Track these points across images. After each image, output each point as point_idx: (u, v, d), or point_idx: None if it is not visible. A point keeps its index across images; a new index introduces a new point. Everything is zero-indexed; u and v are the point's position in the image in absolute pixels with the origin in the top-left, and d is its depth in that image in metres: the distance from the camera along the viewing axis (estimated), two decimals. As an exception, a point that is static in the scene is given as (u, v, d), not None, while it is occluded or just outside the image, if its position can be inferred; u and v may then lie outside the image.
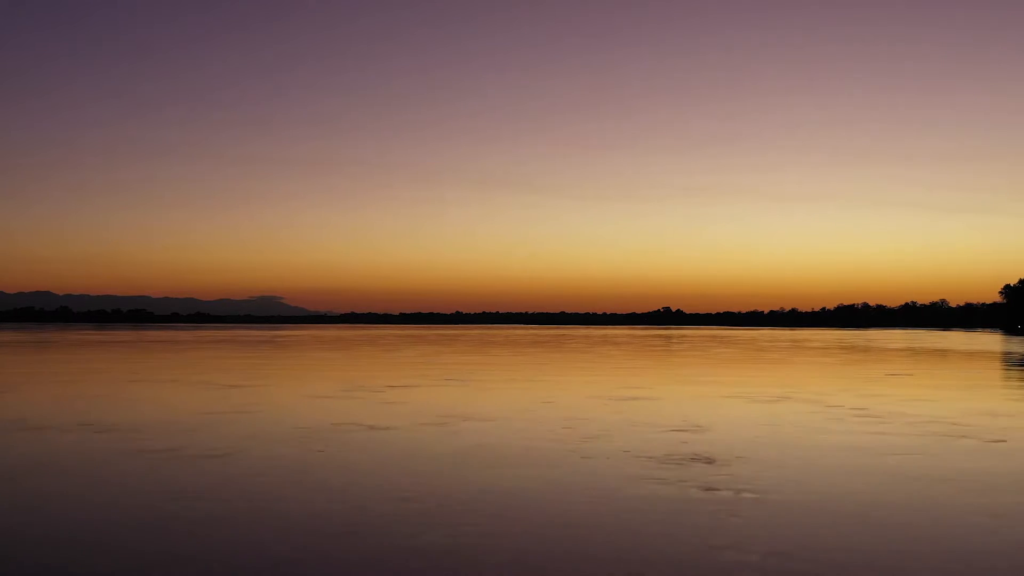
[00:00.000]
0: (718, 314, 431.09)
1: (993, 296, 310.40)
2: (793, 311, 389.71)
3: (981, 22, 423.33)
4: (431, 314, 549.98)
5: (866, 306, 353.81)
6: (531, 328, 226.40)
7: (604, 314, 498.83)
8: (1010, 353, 55.93)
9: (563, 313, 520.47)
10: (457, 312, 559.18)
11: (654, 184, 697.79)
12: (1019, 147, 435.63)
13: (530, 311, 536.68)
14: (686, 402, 21.10)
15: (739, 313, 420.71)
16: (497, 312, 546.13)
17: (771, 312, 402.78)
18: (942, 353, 55.39)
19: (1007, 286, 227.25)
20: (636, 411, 18.85)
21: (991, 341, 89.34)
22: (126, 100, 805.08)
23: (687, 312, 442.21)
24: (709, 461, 12.06)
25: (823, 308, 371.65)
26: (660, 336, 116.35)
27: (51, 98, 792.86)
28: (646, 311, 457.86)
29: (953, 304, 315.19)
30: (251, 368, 35.54)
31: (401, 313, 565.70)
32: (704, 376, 31.42)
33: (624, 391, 24.41)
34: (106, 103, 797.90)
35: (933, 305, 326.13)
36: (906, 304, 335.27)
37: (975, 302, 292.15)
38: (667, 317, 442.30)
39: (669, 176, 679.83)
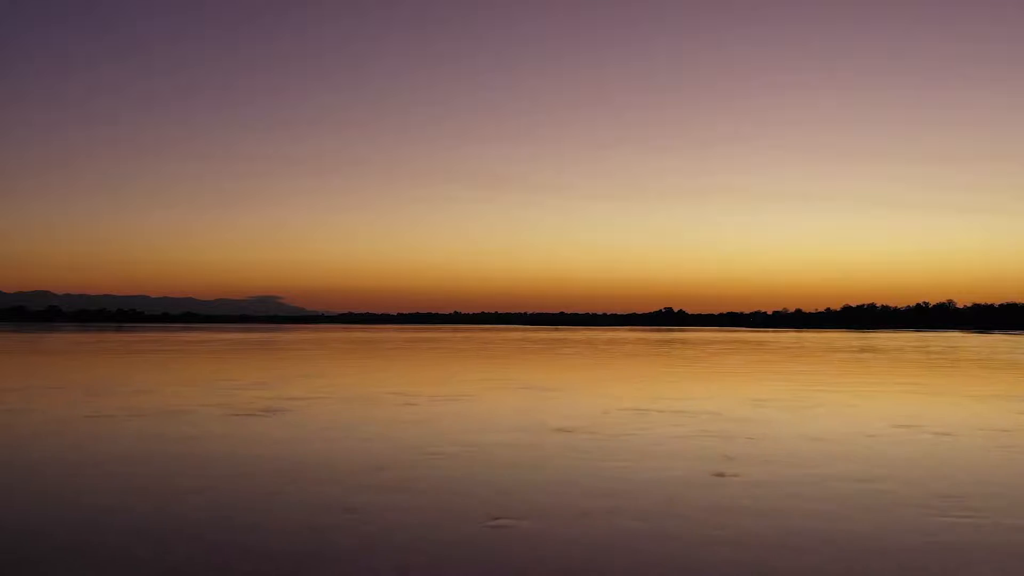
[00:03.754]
0: (721, 315, 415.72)
1: (1000, 296, 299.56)
2: (798, 312, 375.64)
3: (981, 22, 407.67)
4: (429, 314, 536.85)
5: (872, 306, 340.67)
6: (528, 330, 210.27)
7: (604, 314, 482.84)
8: None
9: (562, 313, 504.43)
10: (455, 312, 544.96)
11: (654, 184, 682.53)
12: (1022, 146, 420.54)
13: (529, 311, 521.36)
14: None
15: (742, 314, 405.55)
16: (496, 312, 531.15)
17: (775, 313, 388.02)
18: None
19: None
20: None
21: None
22: (124, 99, 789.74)
23: (689, 313, 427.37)
24: None
25: (827, 309, 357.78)
26: (669, 341, 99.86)
27: (49, 97, 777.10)
28: (647, 311, 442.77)
29: (960, 305, 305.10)
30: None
31: (399, 313, 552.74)
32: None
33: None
34: (104, 102, 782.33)
35: (940, 306, 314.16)
36: (914, 305, 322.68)
37: (982, 302, 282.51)
38: (669, 318, 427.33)
39: (669, 176, 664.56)
